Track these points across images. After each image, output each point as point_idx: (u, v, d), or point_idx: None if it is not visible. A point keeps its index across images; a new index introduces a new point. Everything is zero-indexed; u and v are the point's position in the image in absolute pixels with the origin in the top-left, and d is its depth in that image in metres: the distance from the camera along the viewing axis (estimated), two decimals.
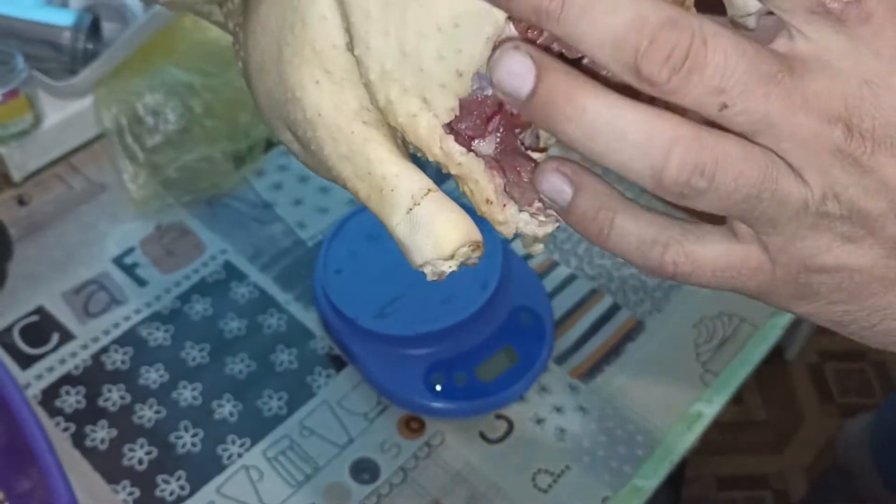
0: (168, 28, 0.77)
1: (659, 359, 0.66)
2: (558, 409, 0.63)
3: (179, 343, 0.66)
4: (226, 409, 0.63)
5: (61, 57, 0.74)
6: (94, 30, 0.76)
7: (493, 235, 0.65)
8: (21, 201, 0.75)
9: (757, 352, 0.66)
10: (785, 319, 0.67)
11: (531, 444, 0.61)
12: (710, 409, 0.63)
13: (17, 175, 0.75)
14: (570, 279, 0.71)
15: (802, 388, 1.60)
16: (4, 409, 0.52)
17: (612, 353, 0.66)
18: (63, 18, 0.74)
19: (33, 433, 0.50)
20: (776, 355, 1.02)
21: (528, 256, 0.72)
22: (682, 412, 0.62)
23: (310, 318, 0.68)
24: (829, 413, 1.51)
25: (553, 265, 0.71)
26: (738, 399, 0.62)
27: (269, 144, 0.80)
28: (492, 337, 0.63)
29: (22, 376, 0.64)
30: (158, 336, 0.67)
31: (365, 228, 0.67)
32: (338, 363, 0.65)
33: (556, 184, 0.24)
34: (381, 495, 0.59)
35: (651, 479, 0.59)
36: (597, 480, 0.59)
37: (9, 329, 0.67)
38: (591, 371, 0.65)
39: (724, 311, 0.68)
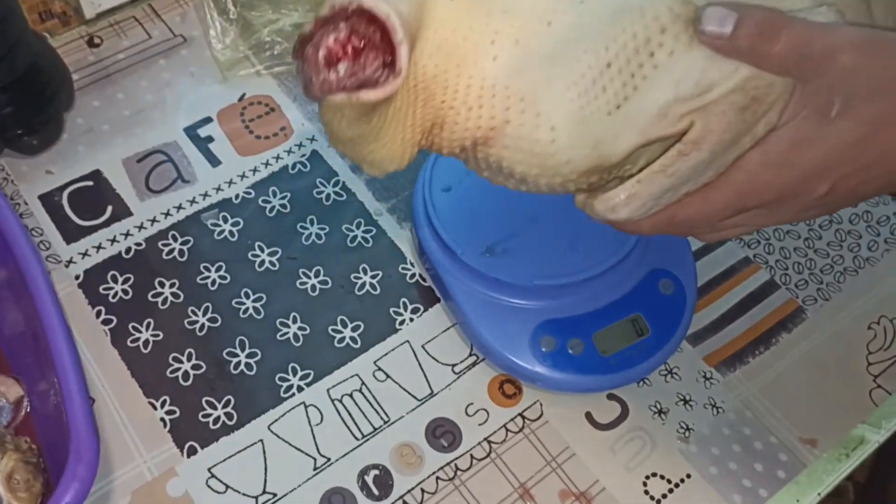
0: None
1: (819, 359, 0.53)
2: (686, 401, 0.52)
3: (247, 241, 0.56)
4: (291, 330, 0.53)
5: None
6: None
7: None
8: (91, 42, 0.64)
9: None
10: None
11: (648, 438, 0.50)
12: (876, 435, 0.50)
13: (89, 10, 0.64)
14: (719, 241, 0.58)
15: None
16: (25, 294, 0.42)
17: (761, 341, 0.54)
18: None
19: (55, 335, 0.41)
20: None
21: None
22: (842, 433, 0.50)
23: (403, 238, 0.57)
24: None
25: None
26: None
27: None
28: (620, 302, 0.51)
29: (65, 251, 0.55)
30: (225, 228, 0.57)
31: None
32: (428, 298, 0.55)
33: None
34: (460, 470, 0.49)
35: None
36: (723, 498, 0.48)
37: (59, 191, 0.57)
38: (731, 360, 0.53)
39: None
